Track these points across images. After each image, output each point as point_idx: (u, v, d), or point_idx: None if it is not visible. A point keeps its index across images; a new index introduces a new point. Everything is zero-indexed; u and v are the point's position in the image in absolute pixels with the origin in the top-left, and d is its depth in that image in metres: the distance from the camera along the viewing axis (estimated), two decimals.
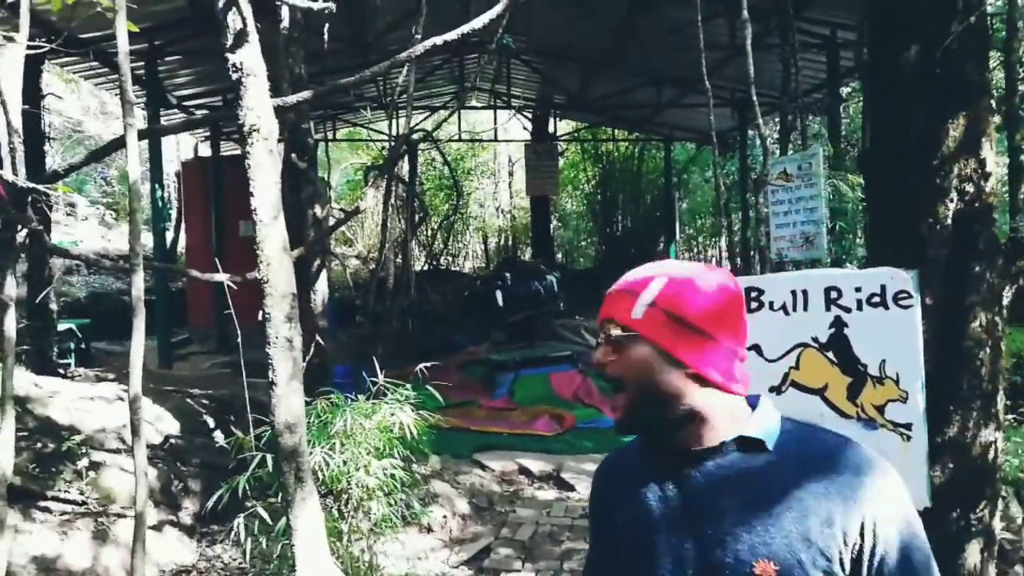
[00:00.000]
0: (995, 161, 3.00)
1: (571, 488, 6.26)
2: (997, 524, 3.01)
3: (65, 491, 4.58)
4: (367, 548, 3.08)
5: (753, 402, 1.20)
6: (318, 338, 3.99)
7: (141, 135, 3.24)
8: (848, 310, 2.54)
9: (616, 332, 1.16)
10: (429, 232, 16.51)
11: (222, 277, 3.62)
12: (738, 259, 12.87)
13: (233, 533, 3.10)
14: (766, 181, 6.03)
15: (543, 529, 5.41)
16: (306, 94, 3.44)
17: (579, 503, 5.92)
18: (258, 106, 2.05)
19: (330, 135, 14.88)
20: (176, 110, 10.59)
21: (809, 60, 8.79)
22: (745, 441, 1.13)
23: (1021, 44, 6.14)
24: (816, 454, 1.14)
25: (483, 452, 7.01)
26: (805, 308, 2.62)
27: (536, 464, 6.69)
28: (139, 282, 2.95)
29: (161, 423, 5.80)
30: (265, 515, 2.90)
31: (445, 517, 5.49)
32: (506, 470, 6.63)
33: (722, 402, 1.14)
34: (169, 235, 13.96)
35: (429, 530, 5.40)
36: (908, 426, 2.46)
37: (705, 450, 1.14)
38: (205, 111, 11.22)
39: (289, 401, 2.07)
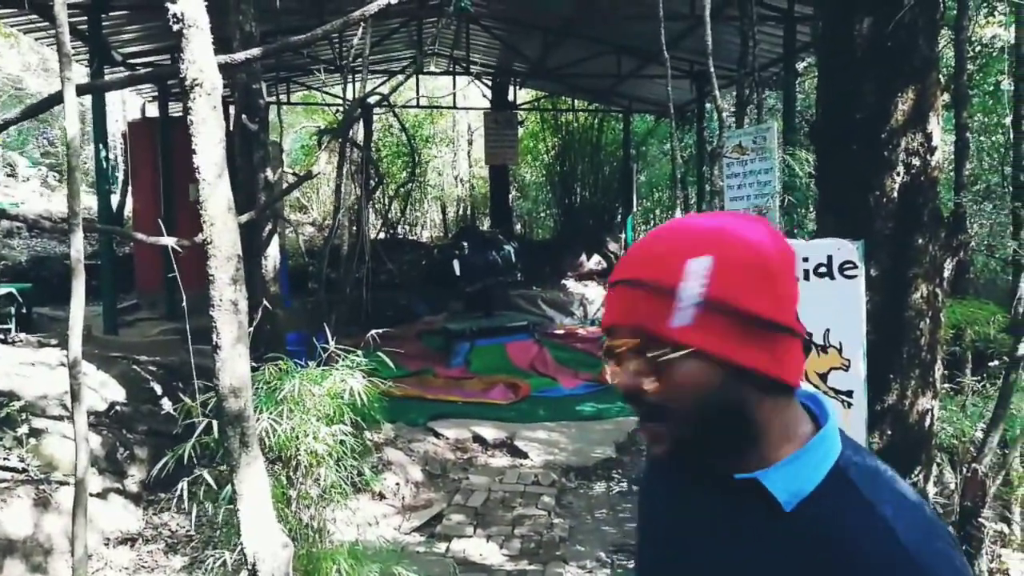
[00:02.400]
0: (941, 136, 3.06)
1: (524, 456, 6.33)
2: (931, 489, 3.13)
3: (4, 458, 4.45)
4: (316, 514, 3.07)
5: (816, 409, 0.89)
6: (266, 303, 3.91)
7: (79, 90, 3.11)
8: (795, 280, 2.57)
9: (651, 348, 0.81)
10: (386, 200, 16.31)
11: (167, 240, 3.53)
12: None
13: (178, 499, 3.06)
14: (721, 154, 6.08)
15: (495, 496, 5.46)
16: (255, 51, 3.33)
17: (531, 470, 5.98)
18: (201, 59, 1.97)
19: (284, 98, 14.51)
20: (122, 68, 10.19)
21: (767, 34, 8.84)
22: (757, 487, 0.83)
23: (971, 23, 6.27)
24: (836, 536, 0.79)
25: (438, 420, 7.02)
26: None
27: (490, 432, 6.73)
28: (78, 243, 2.84)
29: (106, 390, 5.66)
30: (211, 480, 2.86)
31: (398, 484, 5.50)
32: (460, 438, 6.66)
33: (781, 411, 0.84)
34: (115, 198, 13.54)
35: (382, 497, 5.40)
36: (849, 393, 2.53)
37: (738, 479, 0.84)
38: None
39: (234, 365, 2.02)
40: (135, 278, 11.12)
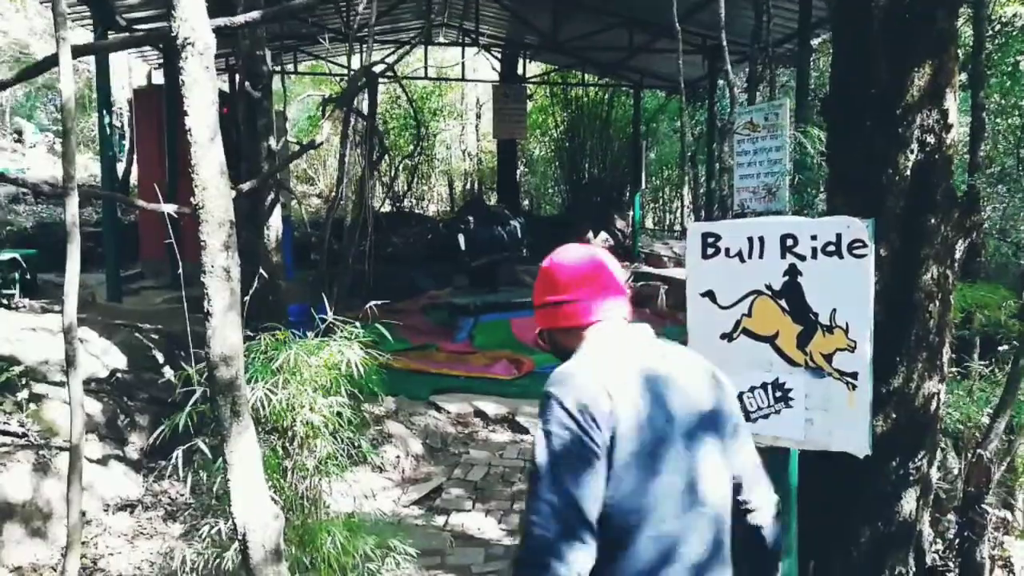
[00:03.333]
0: (957, 114, 2.97)
1: (525, 431, 6.31)
2: (934, 474, 3.09)
3: (5, 423, 4.45)
4: (312, 486, 3.05)
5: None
6: (263, 273, 3.86)
7: (75, 52, 3.04)
8: (803, 258, 2.52)
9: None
10: (392, 172, 16.21)
11: (166, 207, 3.48)
12: (702, 211, 12.89)
13: (177, 463, 3.05)
14: (732, 130, 5.98)
15: (495, 470, 5.45)
16: (255, 14, 3.26)
17: (532, 446, 5.96)
18: (192, 17, 1.90)
19: (291, 68, 14.38)
20: (127, 34, 10.08)
21: (781, 8, 8.67)
22: None
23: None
24: None
25: (440, 394, 7.01)
26: (760, 255, 2.59)
27: (492, 407, 6.71)
28: (73, 207, 2.81)
29: (108, 357, 5.66)
30: (206, 449, 2.84)
31: (398, 457, 5.50)
32: (462, 412, 6.65)
33: (572, 338, 1.61)
34: (121, 165, 13.49)
35: (381, 469, 5.40)
36: (854, 375, 2.47)
37: None
38: None
39: (225, 333, 1.98)
40: (140, 246, 11.10)
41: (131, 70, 16.65)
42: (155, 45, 11.07)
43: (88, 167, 16.26)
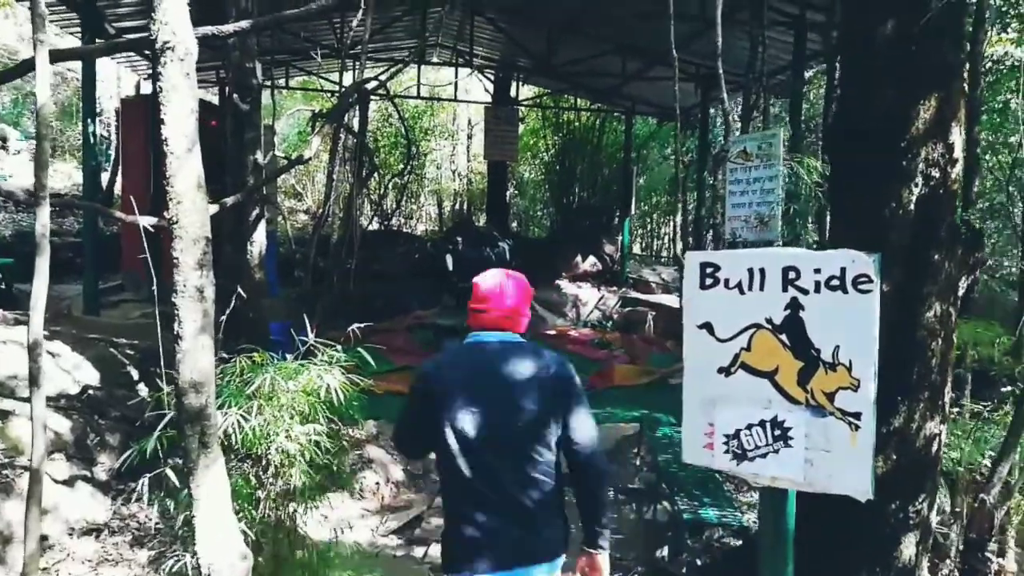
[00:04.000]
0: (962, 148, 2.92)
1: None
2: (934, 518, 2.98)
3: None
4: (287, 516, 2.90)
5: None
6: (240, 290, 3.71)
7: (54, 56, 2.92)
8: (805, 292, 2.42)
9: None
10: (381, 190, 16.10)
11: (144, 220, 3.34)
12: (690, 238, 12.87)
13: (142, 491, 2.90)
14: (726, 158, 5.92)
15: None
16: (244, 23, 3.16)
17: None
18: (173, 21, 1.80)
19: (283, 83, 14.30)
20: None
21: (775, 39, 8.69)
22: None
23: (987, 35, 6.12)
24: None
25: None
26: (761, 288, 2.49)
27: None
28: (44, 217, 2.66)
29: (80, 372, 5.47)
30: (174, 477, 2.69)
31: (378, 483, 5.33)
32: None
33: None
34: (106, 175, 13.31)
35: (361, 496, 5.24)
36: (857, 415, 2.36)
37: None
38: None
39: (196, 357, 1.85)
40: (121, 258, 10.88)
41: (120, 80, 16.50)
42: (139, 52, 10.94)
43: (72, 176, 16.04)
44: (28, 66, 3.10)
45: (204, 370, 1.87)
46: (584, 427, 2.36)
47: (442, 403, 2.28)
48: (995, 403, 3.59)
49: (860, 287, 2.35)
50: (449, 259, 10.54)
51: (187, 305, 1.84)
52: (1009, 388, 3.85)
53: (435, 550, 4.51)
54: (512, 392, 2.28)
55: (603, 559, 2.33)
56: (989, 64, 8.19)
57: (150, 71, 12.03)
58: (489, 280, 2.44)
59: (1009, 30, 7.64)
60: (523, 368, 2.32)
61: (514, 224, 20.00)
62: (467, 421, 2.25)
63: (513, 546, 2.22)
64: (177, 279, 1.83)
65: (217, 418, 2.00)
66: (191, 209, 1.84)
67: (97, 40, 8.29)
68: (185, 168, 1.83)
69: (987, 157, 8.85)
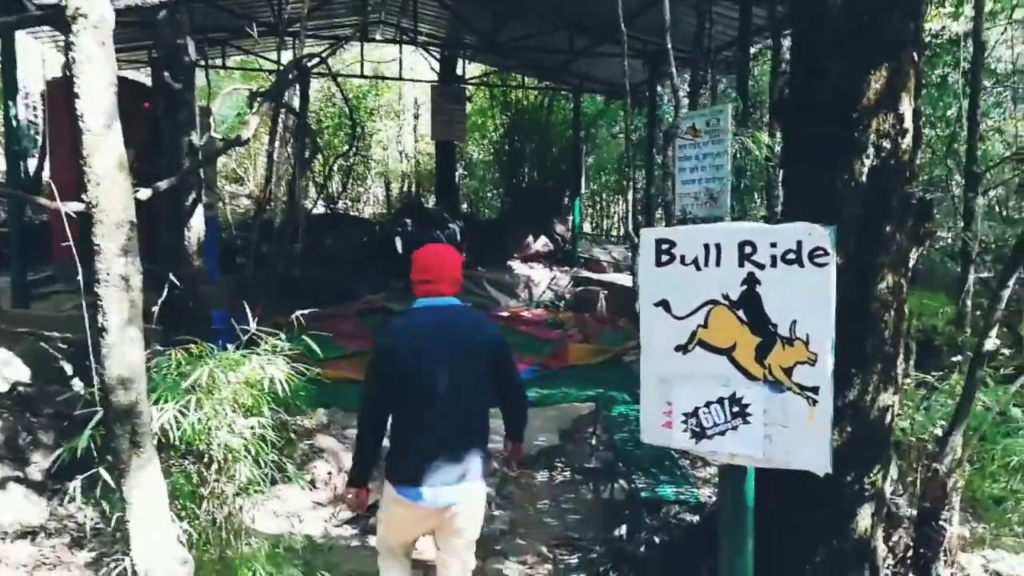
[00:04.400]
0: (911, 119, 2.91)
1: None
2: (888, 488, 3.01)
3: None
4: (232, 513, 2.77)
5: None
6: (173, 278, 3.52)
7: None
8: (762, 266, 2.37)
9: None
10: (326, 172, 15.73)
11: (70, 205, 3.13)
12: (639, 216, 12.92)
13: (74, 493, 2.74)
14: (675, 134, 5.90)
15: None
16: None
17: None
18: None
19: (219, 62, 13.80)
20: None
21: (721, 14, 8.70)
22: None
23: (926, 9, 6.20)
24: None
25: None
26: (717, 263, 2.44)
27: None
28: None
29: (9, 369, 5.19)
30: (108, 478, 2.53)
31: (330, 473, 5.19)
32: None
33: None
34: (33, 162, 12.67)
35: (312, 486, 5.09)
36: (815, 390, 2.33)
37: None
38: None
39: (123, 351, 1.71)
40: (52, 247, 10.39)
41: (45, 61, 15.69)
42: (55, 26, 10.38)
43: None
44: None
45: (133, 365, 1.73)
46: (514, 371, 3.14)
47: (403, 359, 2.83)
48: (944, 372, 3.65)
49: (816, 260, 2.31)
50: (398, 242, 10.35)
51: (111, 295, 1.69)
52: (958, 358, 3.92)
53: None
54: (459, 345, 2.89)
55: (522, 446, 3.41)
56: (927, 39, 8.35)
57: None
58: (431, 254, 3.00)
59: (946, 4, 7.78)
60: (466, 327, 2.97)
61: (464, 205, 19.81)
62: (424, 370, 2.82)
63: (456, 465, 2.84)
64: (99, 267, 1.69)
65: (149, 415, 1.86)
66: (112, 191, 1.69)
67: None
68: (103, 146, 1.67)
69: (926, 131, 9.05)
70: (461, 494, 2.85)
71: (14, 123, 7.60)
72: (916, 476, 3.17)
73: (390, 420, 2.88)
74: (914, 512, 3.15)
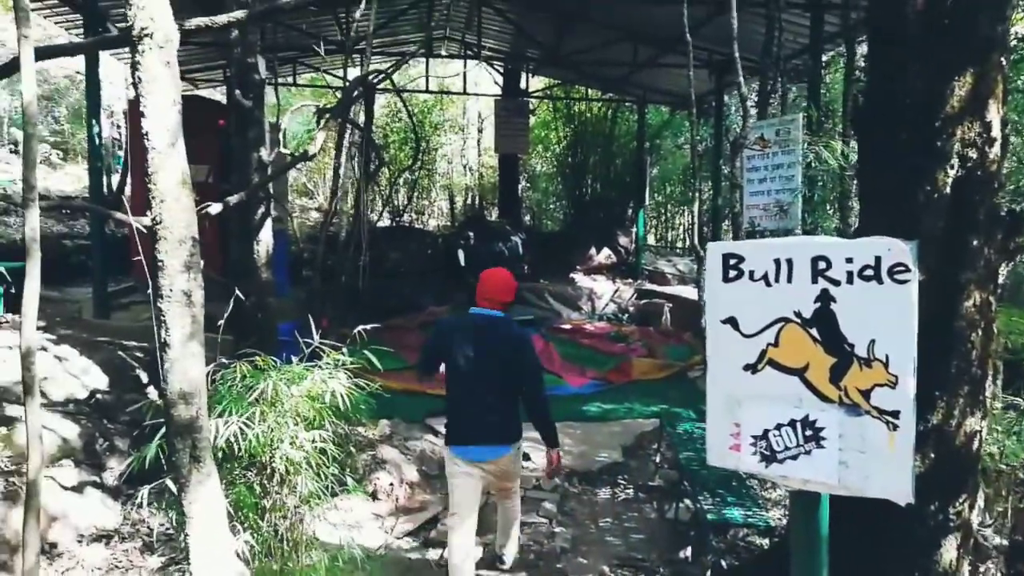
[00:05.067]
0: (1000, 127, 2.74)
1: (526, 457, 6.03)
2: (975, 518, 2.82)
3: None
4: (293, 525, 2.78)
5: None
6: (238, 293, 3.58)
7: (39, 53, 2.82)
8: (837, 283, 2.25)
9: None
10: (391, 186, 15.98)
11: (136, 220, 3.23)
12: (706, 228, 12.66)
13: (144, 500, 2.80)
14: (744, 144, 5.75)
15: (494, 498, 5.16)
16: (239, 14, 3.03)
17: (533, 473, 5.69)
18: (151, 5, 1.67)
19: (291, 80, 14.21)
20: None
21: (791, 22, 8.47)
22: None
23: (1013, 11, 5.88)
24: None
25: (437, 416, 6.73)
26: (789, 279, 2.33)
27: None
28: (33, 219, 2.55)
29: (88, 376, 5.40)
30: (173, 488, 2.58)
31: (392, 484, 5.22)
32: None
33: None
34: (116, 177, 13.27)
35: (374, 497, 5.13)
36: (896, 414, 2.20)
37: None
38: None
39: (185, 366, 1.73)
40: (132, 260, 10.84)
41: (128, 80, 16.48)
42: (127, 46, 10.85)
43: (82, 178, 16.03)
44: (16, 66, 3.00)
45: (194, 380, 1.75)
46: (532, 370, 3.86)
47: (450, 344, 3.79)
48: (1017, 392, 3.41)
49: (896, 277, 2.18)
50: (461, 254, 10.40)
51: (174, 311, 1.71)
52: None
53: None
54: (488, 347, 3.76)
55: (555, 452, 3.98)
56: (1014, 42, 7.92)
57: None
58: (489, 278, 3.94)
59: None
60: (499, 332, 3.83)
61: (527, 218, 19.84)
62: (463, 357, 3.74)
63: (491, 430, 3.77)
64: (162, 283, 1.71)
65: (209, 430, 1.88)
66: (175, 207, 1.72)
67: None
68: (168, 164, 1.70)
69: (1013, 139, 8.59)
70: (494, 453, 3.78)
71: (97, 140, 7.96)
72: (1006, 505, 2.96)
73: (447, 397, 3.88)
74: (1004, 543, 2.94)
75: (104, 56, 10.30)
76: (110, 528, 4.53)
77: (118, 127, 16.80)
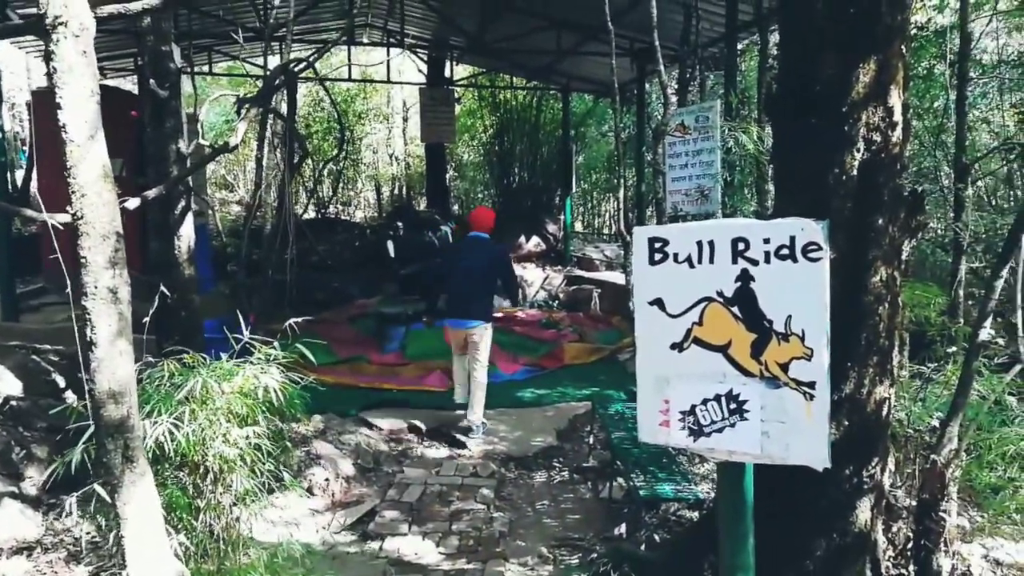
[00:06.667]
0: (902, 111, 2.91)
1: (462, 446, 6.07)
2: (886, 480, 3.01)
3: None
4: (229, 524, 2.74)
5: None
6: (162, 289, 3.48)
7: None
8: (755, 263, 2.37)
9: None
10: (316, 177, 15.67)
11: (51, 216, 3.11)
12: (631, 214, 12.91)
13: (70, 508, 2.71)
14: (665, 131, 5.90)
15: (432, 489, 5.19)
16: (154, 0, 2.93)
17: (469, 461, 5.74)
18: None
19: (207, 69, 13.73)
20: None
21: (708, 11, 8.71)
22: None
23: (912, 1, 6.20)
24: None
25: (371, 410, 6.69)
26: (711, 260, 2.44)
27: (426, 421, 6.45)
28: None
29: (0, 382, 5.14)
30: (104, 493, 2.51)
31: (327, 479, 5.17)
32: (394, 428, 6.36)
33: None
34: (20, 173, 12.59)
35: (310, 493, 5.07)
36: (812, 384, 2.34)
37: None
38: None
39: (113, 365, 1.69)
40: (42, 260, 10.32)
41: (30, 70, 15.59)
42: (36, 35, 10.30)
43: None
44: None
45: (123, 378, 1.71)
46: (505, 272, 6.53)
47: (455, 255, 6.57)
48: (938, 363, 3.65)
49: (810, 255, 2.31)
50: (390, 245, 10.32)
51: (99, 308, 1.67)
52: (952, 348, 3.92)
53: (391, 543, 4.41)
54: (475, 254, 6.27)
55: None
56: (913, 31, 8.36)
57: None
58: (479, 214, 6.67)
59: None
60: (484, 247, 6.37)
61: (455, 207, 19.78)
62: (459, 263, 6.28)
63: (469, 310, 6.16)
64: (86, 280, 1.66)
65: (141, 429, 1.84)
66: (97, 202, 1.67)
67: None
68: (87, 157, 1.65)
69: (914, 123, 9.07)
70: (467, 325, 6.17)
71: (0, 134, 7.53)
72: (914, 467, 3.17)
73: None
74: (913, 503, 3.15)
75: (3, 44, 9.72)
76: (32, 539, 4.34)
77: (20, 120, 15.91)
